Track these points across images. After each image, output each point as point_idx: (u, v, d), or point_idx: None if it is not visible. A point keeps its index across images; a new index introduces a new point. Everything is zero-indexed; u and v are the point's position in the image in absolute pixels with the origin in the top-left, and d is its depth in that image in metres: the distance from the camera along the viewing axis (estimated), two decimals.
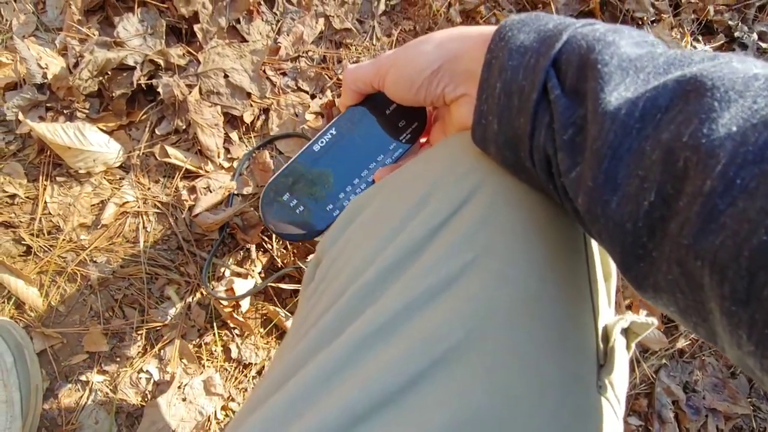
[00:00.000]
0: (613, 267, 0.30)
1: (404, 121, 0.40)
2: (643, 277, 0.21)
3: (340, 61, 0.70)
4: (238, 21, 0.66)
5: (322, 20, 0.69)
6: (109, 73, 0.61)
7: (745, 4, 0.87)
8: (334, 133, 0.41)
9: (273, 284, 0.64)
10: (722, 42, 0.85)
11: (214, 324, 0.64)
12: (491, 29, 0.28)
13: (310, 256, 0.64)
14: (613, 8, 0.77)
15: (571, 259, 0.27)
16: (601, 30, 0.24)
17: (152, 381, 0.62)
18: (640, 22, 0.78)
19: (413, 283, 0.24)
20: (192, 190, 0.64)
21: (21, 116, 0.59)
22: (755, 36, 0.86)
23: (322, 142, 0.41)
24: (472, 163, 0.28)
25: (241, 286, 0.62)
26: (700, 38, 0.85)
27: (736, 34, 0.84)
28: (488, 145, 0.27)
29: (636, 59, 0.22)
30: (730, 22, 0.85)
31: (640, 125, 0.21)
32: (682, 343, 0.78)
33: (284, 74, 0.69)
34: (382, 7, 0.72)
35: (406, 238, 0.26)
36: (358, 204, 0.33)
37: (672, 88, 0.21)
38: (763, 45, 0.86)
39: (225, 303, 0.62)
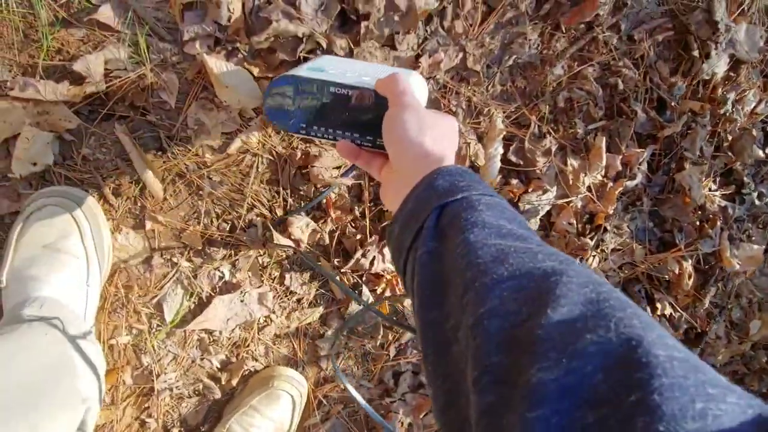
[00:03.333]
0: None
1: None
2: None
3: (457, 93, 0.81)
4: (397, 32, 0.74)
5: (461, 55, 0.79)
6: (280, 37, 0.69)
7: (763, 162, 1.04)
8: (351, 94, 0.50)
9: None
10: (732, 191, 1.03)
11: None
12: (436, 163, 0.43)
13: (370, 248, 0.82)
14: (674, 146, 0.92)
15: None
16: (484, 200, 0.38)
17: (224, 280, 0.80)
18: (684, 161, 0.94)
19: None
20: (306, 153, 0.77)
21: (198, 46, 0.67)
22: (755, 194, 1.06)
23: (342, 90, 0.50)
24: None
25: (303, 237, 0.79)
26: (718, 179, 1.03)
27: (744, 190, 1.03)
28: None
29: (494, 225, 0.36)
30: (745, 178, 1.03)
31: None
32: None
33: None
34: (510, 61, 0.82)
35: None
36: None
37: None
38: (757, 203, 1.06)
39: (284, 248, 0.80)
